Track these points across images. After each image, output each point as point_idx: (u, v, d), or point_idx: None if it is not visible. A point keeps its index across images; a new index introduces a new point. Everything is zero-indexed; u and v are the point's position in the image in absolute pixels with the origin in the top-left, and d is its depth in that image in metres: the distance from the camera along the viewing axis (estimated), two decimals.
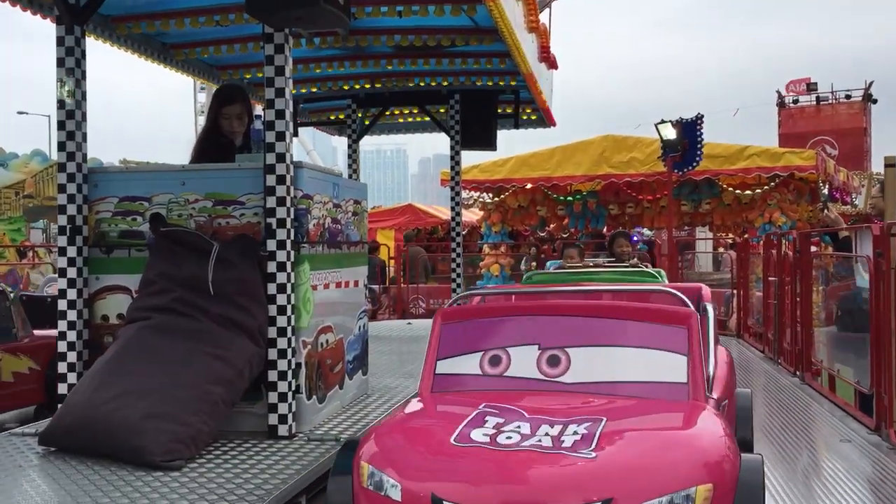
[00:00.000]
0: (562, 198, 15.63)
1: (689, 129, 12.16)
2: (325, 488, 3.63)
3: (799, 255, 8.11)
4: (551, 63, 7.79)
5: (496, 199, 15.96)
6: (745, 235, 14.10)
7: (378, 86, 8.03)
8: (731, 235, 16.62)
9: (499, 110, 8.33)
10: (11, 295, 7.38)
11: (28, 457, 3.83)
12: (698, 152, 12.28)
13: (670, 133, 12.08)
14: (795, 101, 32.37)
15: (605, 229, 15.59)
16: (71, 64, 4.38)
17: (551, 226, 16.87)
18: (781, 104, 32.38)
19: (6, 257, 15.63)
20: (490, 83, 7.97)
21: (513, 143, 11.04)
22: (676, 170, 12.54)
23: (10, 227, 16.74)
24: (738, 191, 14.05)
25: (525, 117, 8.89)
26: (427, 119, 8.91)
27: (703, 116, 12.35)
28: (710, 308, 3.56)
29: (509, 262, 15.62)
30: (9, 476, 3.51)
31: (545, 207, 15.95)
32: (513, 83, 7.86)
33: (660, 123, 12.27)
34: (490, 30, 5.80)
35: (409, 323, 10.87)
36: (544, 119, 8.93)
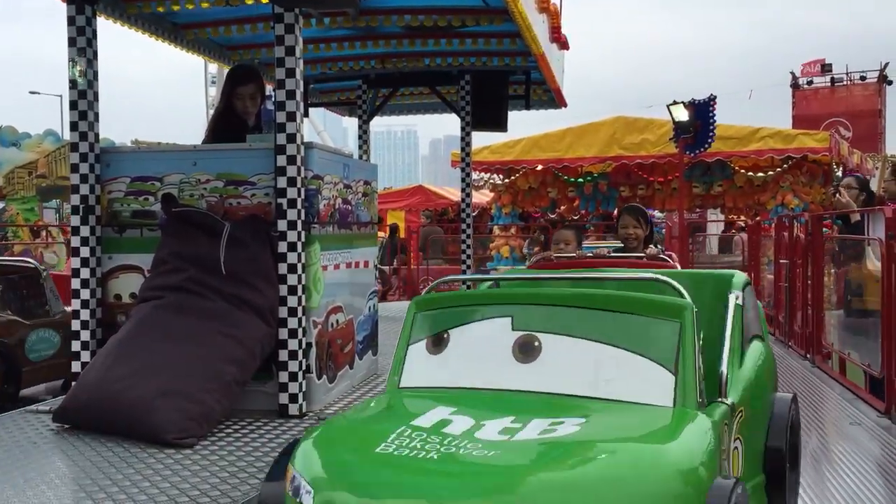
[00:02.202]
0: (572, 179, 15.59)
1: (702, 111, 12.09)
2: None
3: (811, 237, 8.07)
4: (563, 44, 7.74)
5: (507, 180, 15.94)
6: (757, 218, 14.04)
7: (388, 66, 7.99)
8: (742, 218, 16.55)
9: (510, 91, 8.29)
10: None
11: (43, 434, 3.88)
12: (710, 134, 12.22)
13: (682, 114, 12.01)
14: (809, 83, 32.07)
15: (615, 212, 15.55)
16: (82, 44, 4.39)
17: (562, 207, 16.84)
18: (795, 85, 32.09)
19: (20, 237, 15.73)
20: (501, 63, 7.92)
21: (523, 125, 11.00)
22: (688, 151, 12.48)
23: (23, 207, 16.83)
24: (750, 173, 13.98)
25: (536, 98, 8.84)
26: (438, 100, 8.88)
27: (715, 97, 12.28)
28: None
29: (519, 244, 15.61)
30: (24, 452, 3.56)
31: (556, 189, 15.91)
32: (524, 63, 7.81)
33: (672, 105, 12.20)
34: (501, 10, 5.77)
35: None
36: (555, 100, 8.88)
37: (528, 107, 8.68)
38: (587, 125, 15.09)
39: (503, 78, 8.07)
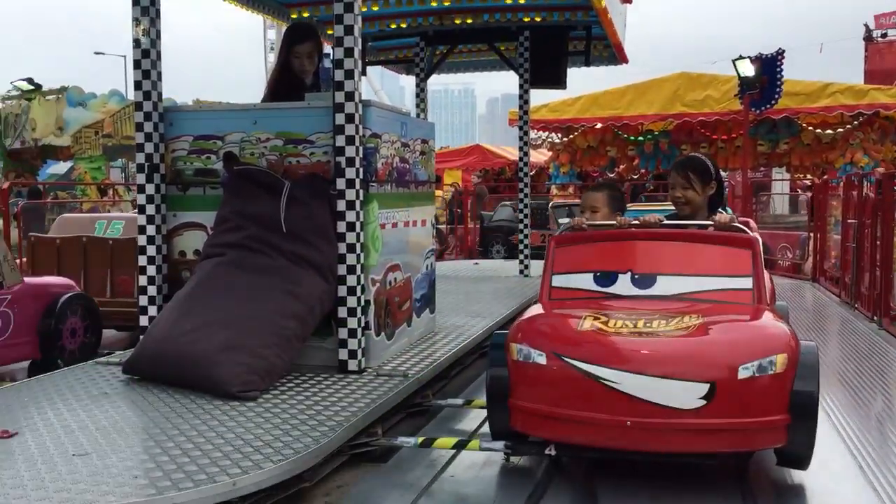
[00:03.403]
0: (632, 138, 15.33)
1: (769, 66, 11.73)
2: (396, 422, 4.00)
3: (881, 196, 7.80)
4: None
5: (565, 139, 15.76)
6: (825, 176, 13.63)
7: (447, 23, 7.93)
8: (808, 176, 16.08)
9: (569, 47, 8.15)
10: None
11: (113, 384, 4.03)
12: (777, 90, 11.85)
13: (748, 70, 11.66)
14: (884, 35, 30.71)
15: None
16: (146, 2, 4.44)
17: (621, 167, 16.59)
18: (868, 38, 30.77)
19: (88, 195, 16.17)
20: (561, 19, 7.78)
21: (582, 83, 10.81)
22: (754, 108, 12.14)
23: (90, 166, 17.27)
24: (818, 130, 13.55)
25: (597, 54, 8.68)
26: (496, 57, 8.79)
27: (783, 52, 11.88)
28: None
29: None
30: (95, 402, 3.70)
31: (615, 148, 15.68)
32: (585, 18, 7.66)
33: (738, 60, 11.85)
34: None
35: (476, 263, 10.91)
36: (616, 56, 8.71)
37: (588, 63, 8.53)
38: (649, 82, 14.77)
39: (563, 34, 7.94)
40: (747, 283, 3.68)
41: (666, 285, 3.74)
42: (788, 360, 3.13)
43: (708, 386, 3.02)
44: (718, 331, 3.35)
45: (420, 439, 3.68)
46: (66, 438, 3.15)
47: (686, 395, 3.03)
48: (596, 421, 3.10)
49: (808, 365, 3.17)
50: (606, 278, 3.84)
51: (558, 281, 3.94)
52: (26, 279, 6.24)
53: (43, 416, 3.47)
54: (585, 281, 3.88)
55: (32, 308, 6.05)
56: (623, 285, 3.79)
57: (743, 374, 3.05)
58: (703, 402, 3.01)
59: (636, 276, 3.78)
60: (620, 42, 7.99)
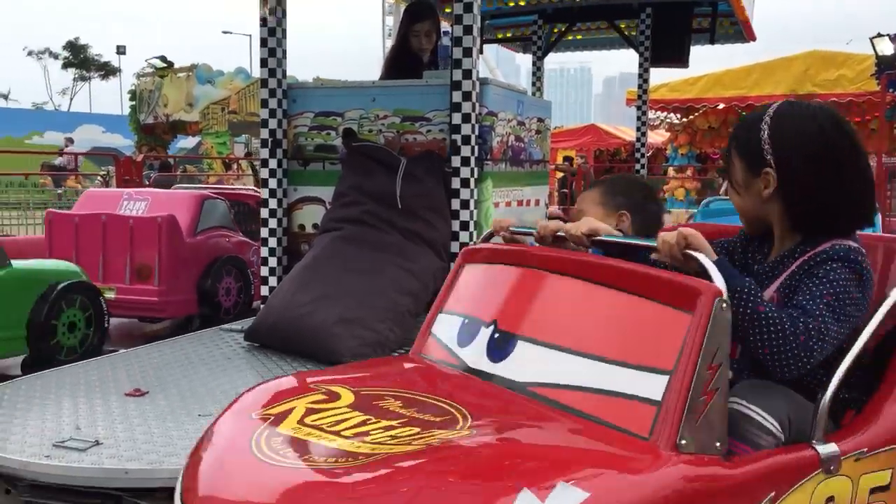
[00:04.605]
0: None
1: None
2: None
3: None
4: None
5: (685, 119, 15.30)
6: None
7: (566, 0, 7.80)
8: None
9: (693, 24, 7.87)
10: None
11: (236, 350, 4.21)
12: None
13: (887, 48, 10.95)
14: None
15: None
16: None
17: None
18: None
19: (214, 169, 16.90)
20: None
21: (703, 62, 10.43)
22: (892, 89, 11.41)
23: (217, 141, 18.04)
24: None
25: (722, 32, 8.35)
26: (615, 35, 8.59)
27: None
28: None
29: (695, 187, 15.01)
30: (219, 366, 3.88)
31: None
32: None
33: (876, 37, 11.14)
34: None
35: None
36: (744, 33, 8.35)
37: (713, 41, 8.22)
38: (777, 60, 14.11)
39: (687, 10, 7.67)
40: (657, 388, 1.64)
41: (521, 362, 1.95)
42: None
43: None
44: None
45: None
46: (192, 399, 3.33)
47: None
48: None
49: None
50: (468, 332, 2.15)
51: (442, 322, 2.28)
52: None
53: (171, 377, 3.67)
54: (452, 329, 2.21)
55: None
56: (476, 349, 2.08)
57: None
58: None
59: (496, 336, 2.05)
60: (748, 18, 7.66)
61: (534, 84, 8.55)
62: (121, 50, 50.13)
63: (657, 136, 18.91)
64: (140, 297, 6.00)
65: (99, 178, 14.67)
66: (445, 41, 4.56)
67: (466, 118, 4.16)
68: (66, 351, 5.11)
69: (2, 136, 26.24)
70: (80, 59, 50.60)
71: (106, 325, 5.42)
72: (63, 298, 5.09)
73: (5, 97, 50.80)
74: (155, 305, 6.05)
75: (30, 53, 51.04)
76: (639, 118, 8.36)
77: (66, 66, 50.86)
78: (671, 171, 15.78)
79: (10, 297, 4.88)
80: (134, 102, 18.93)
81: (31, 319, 4.95)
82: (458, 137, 4.19)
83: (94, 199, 6.90)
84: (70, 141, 19.30)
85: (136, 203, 6.61)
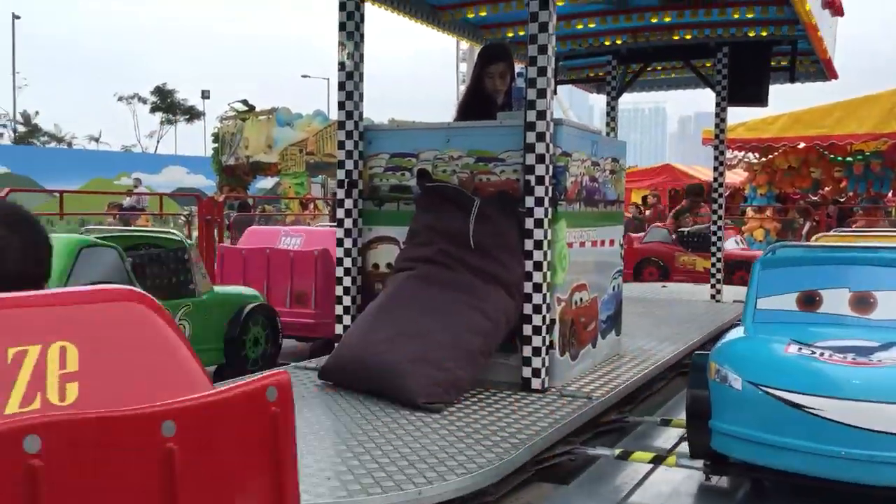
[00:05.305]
0: (840, 158, 14.29)
1: None
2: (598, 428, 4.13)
3: None
4: (836, 9, 7.09)
5: (763, 158, 14.96)
6: None
7: (640, 40, 7.78)
8: None
9: (771, 63, 7.74)
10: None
11: (310, 388, 4.26)
12: None
13: None
14: None
15: (889, 193, 14.07)
16: (351, 28, 4.70)
17: (826, 189, 15.50)
18: None
19: (291, 209, 17.28)
20: (764, 33, 7.41)
21: (781, 100, 10.20)
22: None
23: (294, 182, 18.48)
24: None
25: (802, 70, 8.19)
26: (690, 74, 8.51)
27: None
28: None
29: (775, 227, 14.60)
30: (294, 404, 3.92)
31: (819, 169, 14.69)
32: (790, 33, 7.25)
33: None
34: None
35: (664, 286, 10.57)
36: (825, 71, 8.17)
37: (793, 79, 8.07)
38: (861, 98, 13.72)
39: (766, 49, 7.56)
40: None
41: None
42: None
43: None
44: None
45: (618, 451, 3.73)
46: None
47: None
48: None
49: None
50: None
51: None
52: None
53: None
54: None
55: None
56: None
57: None
58: None
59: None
60: (830, 57, 7.50)
61: (608, 124, 8.52)
62: (205, 94, 52.10)
63: (735, 176, 18.52)
64: (299, 320, 6.63)
65: (182, 217, 15.14)
66: (519, 82, 4.58)
67: (540, 158, 4.16)
68: (251, 362, 6.00)
69: (92, 176, 27.42)
70: (167, 103, 52.75)
71: (280, 341, 6.36)
72: (250, 318, 6.05)
73: (96, 140, 53.20)
74: (311, 327, 6.70)
75: (120, 98, 53.41)
76: (716, 157, 8.23)
77: (153, 110, 53.06)
78: (749, 211, 15.39)
79: (212, 316, 5.84)
80: (216, 144, 19.58)
81: (227, 334, 5.91)
82: (531, 178, 4.18)
83: (257, 235, 7.83)
84: (139, 182, 20.02)
85: (292, 238, 7.43)
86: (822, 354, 3.21)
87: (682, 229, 12.34)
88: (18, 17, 43.10)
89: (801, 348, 3.29)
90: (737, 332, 3.75)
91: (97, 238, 5.28)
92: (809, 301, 3.75)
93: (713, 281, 8.26)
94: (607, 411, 4.26)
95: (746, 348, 3.52)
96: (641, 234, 15.72)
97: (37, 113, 50.14)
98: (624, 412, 4.47)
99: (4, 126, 47.19)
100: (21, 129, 47.82)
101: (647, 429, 4.37)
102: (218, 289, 6.14)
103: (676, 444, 4.00)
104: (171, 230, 6.63)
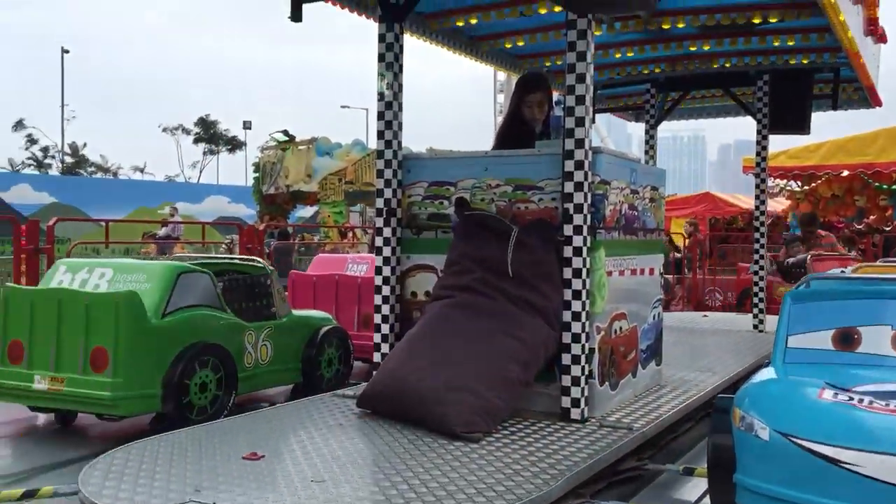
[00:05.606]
0: (885, 186, 14.03)
1: None
2: (615, 476, 3.90)
3: None
4: (880, 36, 7.00)
5: (806, 187, 14.76)
6: None
7: (679, 69, 7.76)
8: None
9: (813, 90, 7.66)
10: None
11: (348, 416, 4.26)
12: None
13: None
14: None
15: None
16: (390, 59, 4.76)
17: (871, 217, 15.21)
18: None
19: (330, 237, 17.45)
20: (805, 61, 7.35)
21: (822, 128, 10.06)
22: None
23: (333, 210, 18.68)
24: None
25: (845, 97, 8.10)
26: (730, 102, 8.46)
27: None
28: None
29: None
30: (331, 432, 3.93)
31: (864, 197, 14.43)
32: (832, 60, 7.18)
33: None
34: (808, 3, 5.36)
35: (706, 315, 10.43)
36: (868, 99, 8.06)
37: (835, 107, 7.98)
38: None
39: (807, 77, 7.49)
40: None
41: None
42: None
43: None
44: None
45: None
46: (306, 464, 3.37)
47: None
48: None
49: None
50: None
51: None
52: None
53: (286, 443, 3.74)
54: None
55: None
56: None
57: None
58: None
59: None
60: (873, 84, 7.40)
61: (647, 152, 8.49)
62: (247, 125, 53.04)
63: (776, 204, 18.29)
64: (364, 342, 6.64)
65: (224, 245, 15.36)
66: (557, 111, 4.59)
67: (579, 187, 4.15)
68: (326, 381, 6.30)
69: (137, 206, 28.00)
70: (209, 134, 53.80)
71: (351, 362, 6.64)
72: (325, 340, 6.39)
73: (141, 170, 54.40)
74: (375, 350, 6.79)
75: (164, 130, 54.63)
76: (757, 186, 8.13)
77: (196, 140, 54.15)
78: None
79: (290, 338, 6.16)
80: (257, 174, 19.89)
81: (304, 355, 6.22)
82: (570, 206, 4.17)
83: (325, 263, 8.34)
84: (175, 210, 20.39)
85: (358, 265, 7.84)
86: (860, 401, 2.95)
87: (788, 259, 12.04)
88: (67, 52, 44.36)
89: (837, 393, 3.03)
90: (765, 374, 3.49)
91: (191, 264, 5.56)
92: (847, 339, 3.45)
93: (755, 311, 8.13)
94: (625, 458, 4.05)
95: (775, 393, 3.23)
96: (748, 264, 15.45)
97: (84, 144, 51.53)
98: (643, 459, 4.27)
99: (53, 157, 48.50)
100: (69, 160, 49.07)
101: (668, 479, 4.16)
102: (296, 312, 6.44)
103: (700, 499, 3.79)
104: (256, 258, 6.95)
